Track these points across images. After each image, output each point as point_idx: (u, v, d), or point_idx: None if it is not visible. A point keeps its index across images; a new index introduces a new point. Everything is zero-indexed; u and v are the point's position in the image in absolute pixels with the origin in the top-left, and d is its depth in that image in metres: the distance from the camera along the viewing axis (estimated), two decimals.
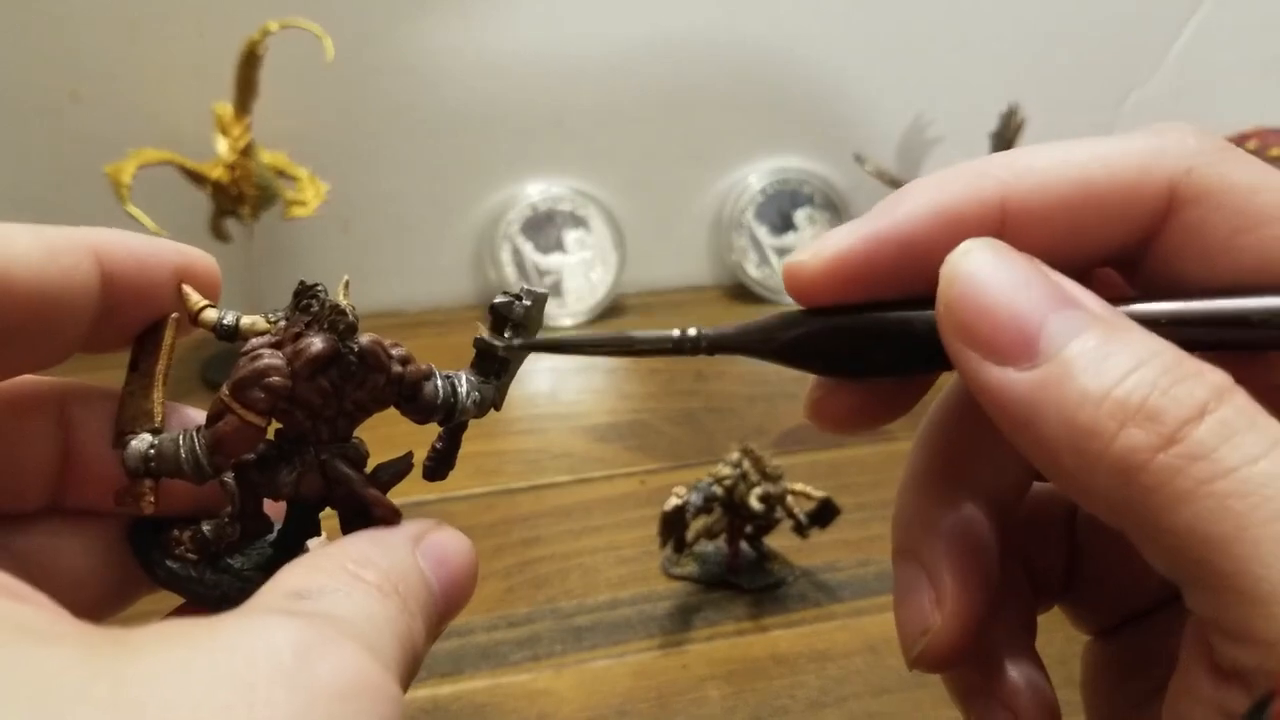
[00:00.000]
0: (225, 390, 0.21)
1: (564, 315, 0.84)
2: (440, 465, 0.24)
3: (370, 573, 0.19)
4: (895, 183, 0.84)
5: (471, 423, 0.24)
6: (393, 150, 0.81)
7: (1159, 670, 0.22)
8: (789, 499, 0.52)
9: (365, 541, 0.20)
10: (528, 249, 0.84)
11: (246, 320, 0.22)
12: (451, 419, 0.23)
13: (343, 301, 0.21)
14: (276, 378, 0.20)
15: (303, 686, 0.15)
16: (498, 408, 0.24)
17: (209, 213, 0.70)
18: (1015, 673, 0.24)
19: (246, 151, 0.68)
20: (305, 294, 0.21)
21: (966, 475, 0.23)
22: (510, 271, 0.83)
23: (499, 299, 0.23)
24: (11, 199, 0.74)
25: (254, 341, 0.21)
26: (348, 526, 0.22)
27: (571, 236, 0.85)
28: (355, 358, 0.21)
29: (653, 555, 0.55)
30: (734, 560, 0.54)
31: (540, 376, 0.76)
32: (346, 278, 0.22)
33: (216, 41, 0.70)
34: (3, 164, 0.74)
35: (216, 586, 0.22)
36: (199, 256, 0.23)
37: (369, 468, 0.23)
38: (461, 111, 0.81)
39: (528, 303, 0.23)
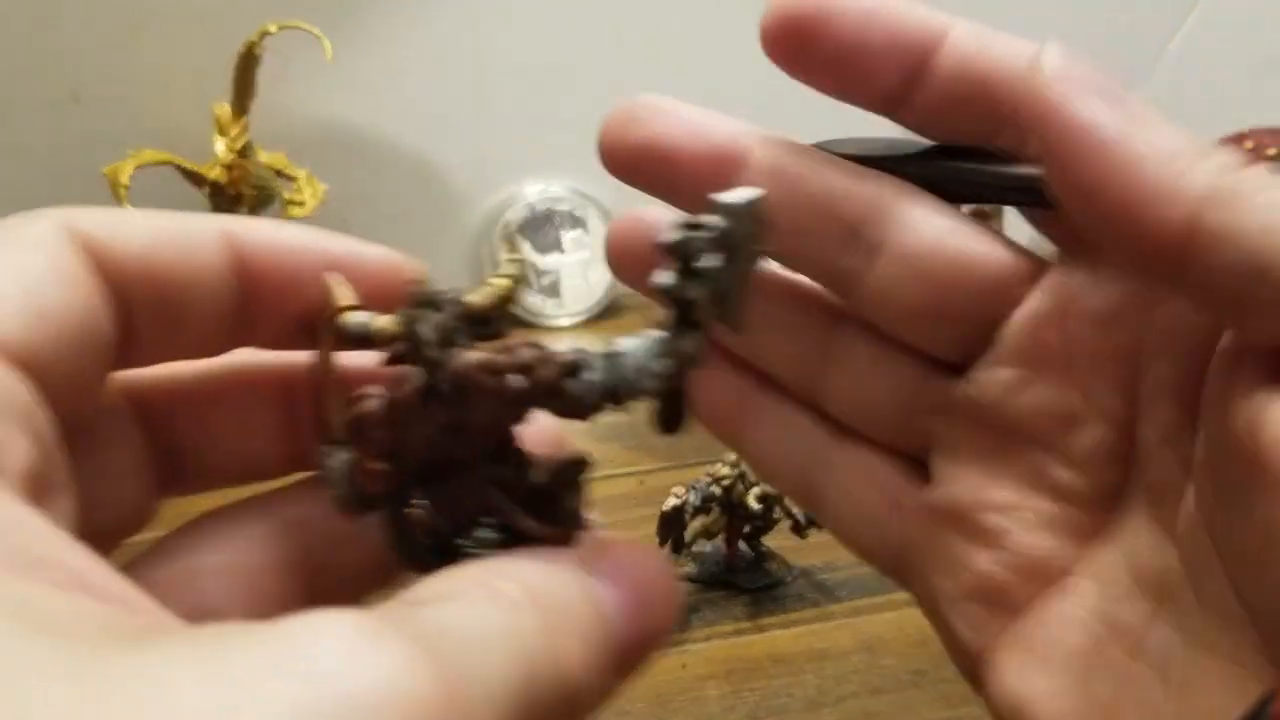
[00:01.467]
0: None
1: (562, 316, 0.84)
2: (666, 419, 0.19)
3: (509, 584, 0.16)
4: None
5: None
6: (391, 150, 0.81)
7: None
8: (787, 499, 0.52)
9: (525, 556, 0.18)
10: (525, 248, 0.84)
11: (378, 322, 0.19)
12: (619, 400, 0.19)
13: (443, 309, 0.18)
14: (375, 430, 0.18)
15: (311, 692, 0.12)
16: (739, 331, 0.19)
17: (207, 213, 0.71)
18: None
19: (244, 152, 0.68)
20: (426, 304, 0.19)
21: None
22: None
23: (669, 236, 0.18)
24: (11, 199, 0.74)
25: (391, 346, 0.19)
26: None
27: (569, 236, 0.85)
28: (449, 387, 0.18)
29: None
30: (732, 560, 0.54)
31: None
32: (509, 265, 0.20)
33: (215, 43, 0.70)
34: (3, 164, 0.74)
35: None
36: (372, 255, 0.22)
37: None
38: (460, 112, 0.81)
39: (723, 224, 0.18)
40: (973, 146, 0.24)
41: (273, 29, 0.66)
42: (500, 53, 0.81)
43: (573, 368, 0.18)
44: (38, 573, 0.14)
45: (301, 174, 0.72)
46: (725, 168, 0.25)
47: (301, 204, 0.71)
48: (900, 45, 0.23)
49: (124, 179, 0.63)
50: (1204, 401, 0.21)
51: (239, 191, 0.68)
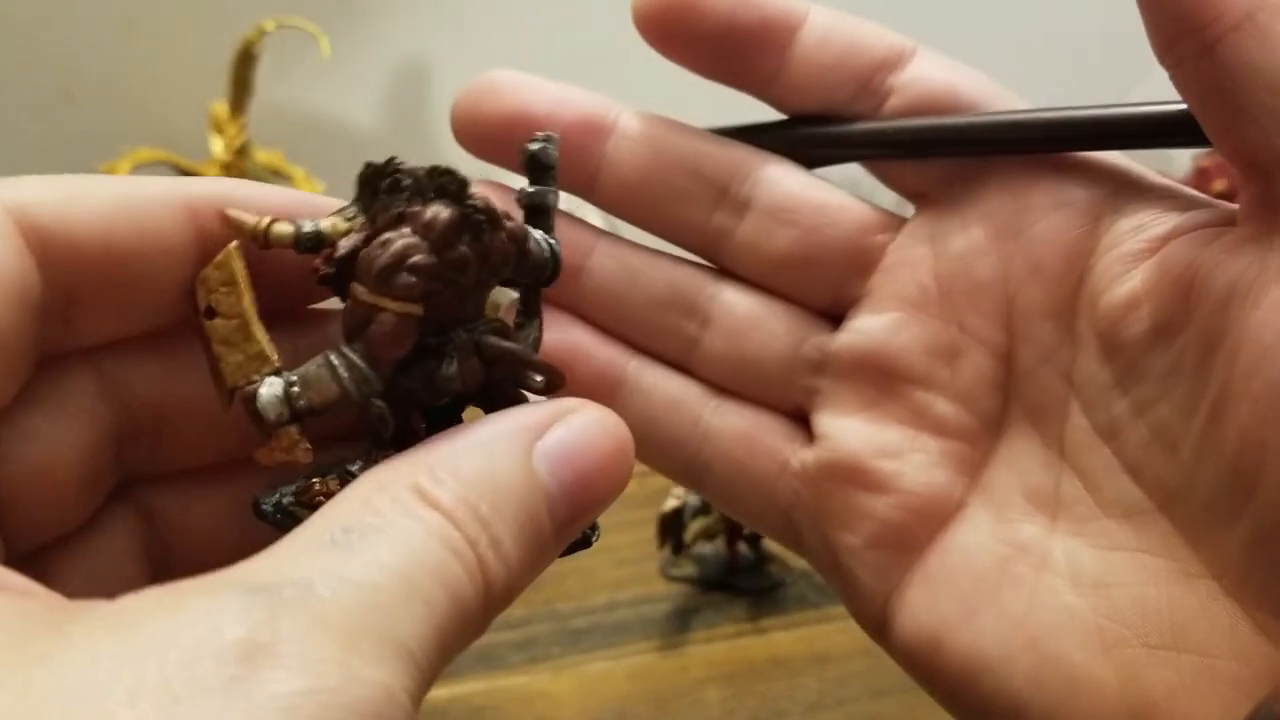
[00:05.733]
0: (363, 290, 0.18)
1: None
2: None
3: (444, 491, 0.16)
4: None
5: None
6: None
7: None
8: None
9: (465, 441, 0.18)
10: None
11: (326, 223, 0.19)
12: (554, 278, 0.21)
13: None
14: (419, 256, 0.18)
15: (239, 706, 0.13)
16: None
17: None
18: None
19: (242, 151, 0.67)
20: (380, 175, 0.19)
21: None
22: None
23: (534, 145, 0.22)
24: None
25: (347, 240, 0.19)
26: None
27: None
28: (482, 214, 0.19)
29: (651, 557, 0.55)
30: (732, 562, 0.54)
31: None
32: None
33: (212, 40, 0.70)
34: None
35: None
36: (325, 205, 0.21)
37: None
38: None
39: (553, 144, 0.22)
40: (823, 116, 0.26)
41: (270, 27, 0.65)
42: (499, 52, 0.80)
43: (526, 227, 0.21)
44: None
45: (298, 173, 0.72)
46: (593, 136, 0.26)
47: None
48: (770, 22, 0.25)
49: None
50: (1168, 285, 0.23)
51: None
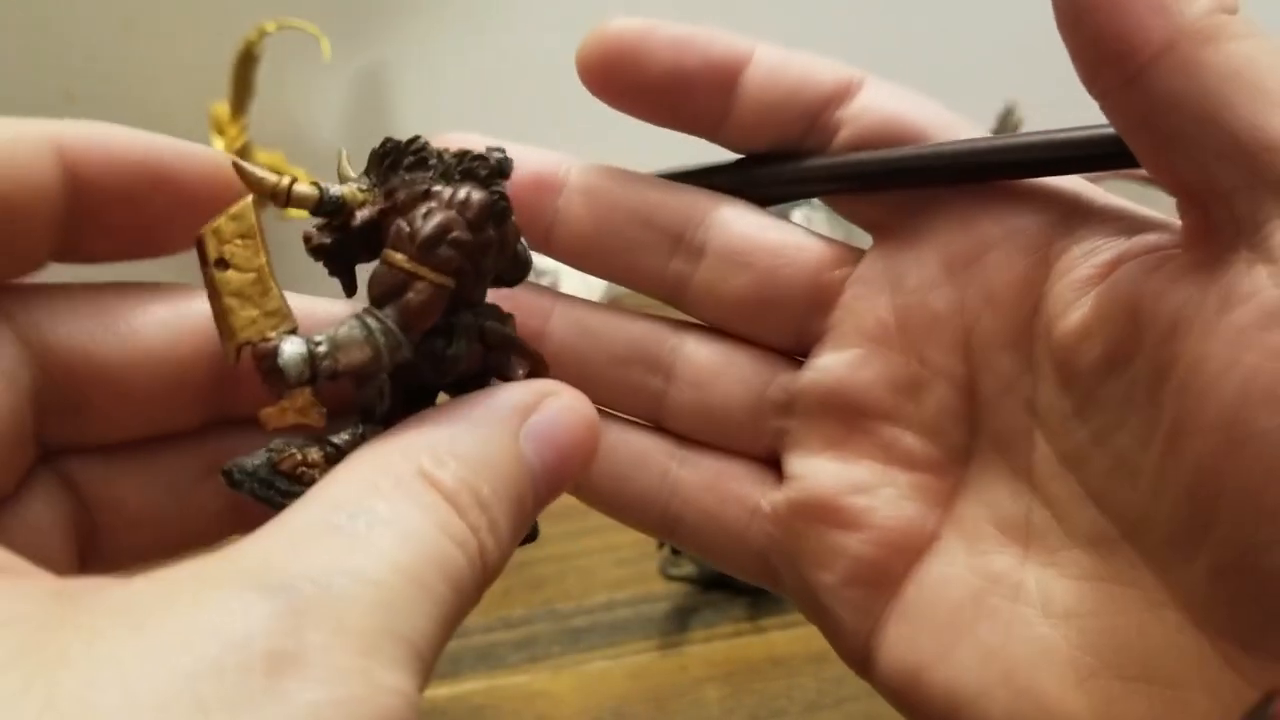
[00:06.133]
0: (401, 257, 0.19)
1: None
2: None
3: (446, 473, 0.17)
4: None
5: None
6: None
7: None
8: None
9: (461, 421, 0.18)
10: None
11: (347, 190, 0.20)
12: (524, 278, 0.22)
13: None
14: (459, 231, 0.19)
15: (268, 716, 0.13)
16: None
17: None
18: None
19: (243, 152, 0.67)
20: (402, 152, 0.20)
21: None
22: None
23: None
24: None
25: (363, 211, 0.19)
26: None
27: None
28: (505, 203, 0.19)
29: (650, 556, 0.55)
30: None
31: None
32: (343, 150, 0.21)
33: (212, 41, 0.70)
34: None
35: None
36: (200, 154, 0.21)
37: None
38: (458, 111, 0.81)
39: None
40: (778, 154, 0.26)
41: (271, 28, 0.66)
42: (501, 53, 0.80)
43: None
44: None
45: (300, 174, 0.72)
46: (544, 193, 0.26)
47: None
48: (713, 66, 0.25)
49: None
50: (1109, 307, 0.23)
51: None
